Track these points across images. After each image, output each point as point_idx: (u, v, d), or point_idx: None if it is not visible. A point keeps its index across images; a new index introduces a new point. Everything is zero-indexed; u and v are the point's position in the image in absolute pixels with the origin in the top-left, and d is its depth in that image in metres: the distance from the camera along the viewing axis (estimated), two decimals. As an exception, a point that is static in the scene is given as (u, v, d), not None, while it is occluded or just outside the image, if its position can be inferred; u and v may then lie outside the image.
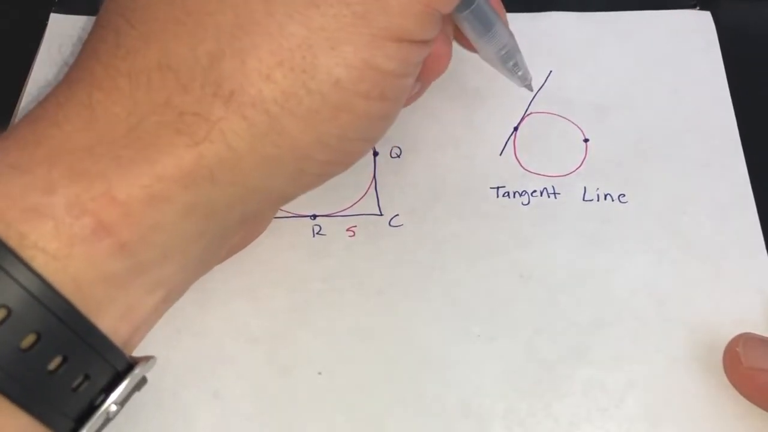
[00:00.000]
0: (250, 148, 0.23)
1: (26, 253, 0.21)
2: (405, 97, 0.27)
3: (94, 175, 0.22)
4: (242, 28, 0.23)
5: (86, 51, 0.24)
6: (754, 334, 0.30)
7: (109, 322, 0.23)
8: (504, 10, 0.32)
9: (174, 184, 0.22)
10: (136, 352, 0.25)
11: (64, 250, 0.21)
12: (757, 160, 0.35)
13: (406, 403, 0.30)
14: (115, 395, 0.23)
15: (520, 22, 0.34)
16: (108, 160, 0.22)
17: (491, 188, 0.35)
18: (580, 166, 0.35)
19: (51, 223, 0.21)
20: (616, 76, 0.38)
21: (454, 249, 0.33)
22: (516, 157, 0.35)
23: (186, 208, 0.23)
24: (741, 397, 0.29)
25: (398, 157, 0.36)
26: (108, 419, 0.23)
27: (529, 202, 0.34)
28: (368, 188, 0.35)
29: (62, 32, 0.38)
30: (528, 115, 0.37)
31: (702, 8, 0.39)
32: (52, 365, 0.21)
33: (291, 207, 0.34)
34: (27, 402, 0.21)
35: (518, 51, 0.32)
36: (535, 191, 0.35)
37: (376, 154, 0.36)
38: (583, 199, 0.34)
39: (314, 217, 0.34)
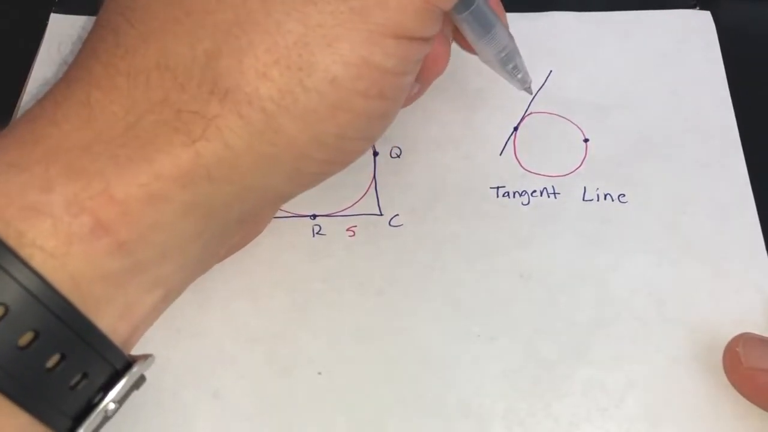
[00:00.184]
0: (247, 146, 0.23)
1: (24, 251, 0.20)
2: (404, 96, 0.27)
3: (92, 173, 0.22)
4: (240, 26, 0.23)
5: (86, 50, 0.24)
6: (754, 334, 0.30)
7: (108, 321, 0.23)
8: (504, 12, 0.32)
9: (172, 183, 0.22)
10: (135, 352, 0.25)
11: (62, 248, 0.21)
12: (757, 160, 0.35)
13: (406, 403, 0.30)
14: (113, 393, 0.23)
15: (520, 22, 0.34)
16: (106, 158, 0.22)
17: (491, 188, 0.35)
18: (580, 166, 0.35)
19: (49, 221, 0.21)
20: (616, 76, 0.38)
21: (454, 249, 0.33)
22: (516, 157, 0.35)
23: (184, 208, 0.23)
24: (741, 397, 0.29)
25: (398, 157, 0.36)
26: (106, 417, 0.23)
27: (529, 202, 0.34)
28: (368, 188, 0.35)
29: (62, 32, 0.39)
30: (528, 115, 0.37)
31: (702, 8, 0.39)
32: (50, 363, 0.21)
33: (291, 207, 0.34)
34: (25, 400, 0.21)
35: (518, 53, 0.32)
36: (535, 191, 0.34)
37: (376, 154, 0.36)
38: (583, 199, 0.34)
39: (314, 217, 0.34)
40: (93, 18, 0.25)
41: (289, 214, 0.34)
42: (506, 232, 0.33)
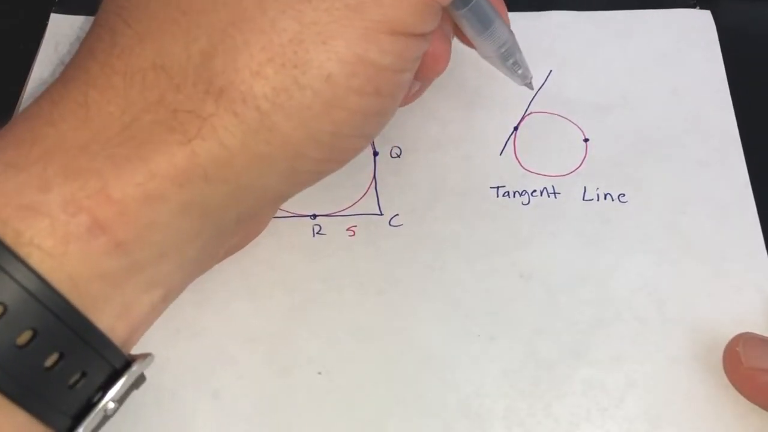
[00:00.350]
0: (242, 145, 0.23)
1: (22, 251, 0.21)
2: (402, 94, 0.27)
3: (89, 173, 0.22)
4: (235, 25, 0.23)
5: (83, 50, 0.24)
6: (754, 334, 0.30)
7: (106, 320, 0.23)
8: (505, 7, 0.31)
9: (168, 183, 0.22)
10: (134, 352, 0.25)
11: (59, 247, 0.21)
12: (757, 160, 0.35)
13: (406, 403, 0.30)
14: (112, 392, 0.23)
15: (520, 22, 0.34)
16: (103, 158, 0.22)
17: (491, 188, 0.35)
18: (580, 166, 0.35)
19: (46, 220, 0.21)
20: (616, 75, 0.38)
21: (454, 249, 0.33)
22: (516, 157, 0.35)
23: (181, 207, 0.23)
24: (741, 397, 0.29)
25: (398, 157, 0.36)
26: (106, 417, 0.23)
27: (529, 202, 0.34)
28: (368, 188, 0.35)
29: (62, 32, 0.39)
30: (528, 114, 0.37)
31: (702, 7, 0.39)
32: (48, 362, 0.21)
33: (291, 207, 0.34)
34: (24, 399, 0.21)
35: (518, 49, 0.32)
36: (535, 191, 0.34)
37: (376, 154, 0.36)
38: (583, 199, 0.34)
39: (314, 216, 0.34)
40: (92, 18, 0.25)
41: (289, 214, 0.34)
42: (506, 232, 0.33)
